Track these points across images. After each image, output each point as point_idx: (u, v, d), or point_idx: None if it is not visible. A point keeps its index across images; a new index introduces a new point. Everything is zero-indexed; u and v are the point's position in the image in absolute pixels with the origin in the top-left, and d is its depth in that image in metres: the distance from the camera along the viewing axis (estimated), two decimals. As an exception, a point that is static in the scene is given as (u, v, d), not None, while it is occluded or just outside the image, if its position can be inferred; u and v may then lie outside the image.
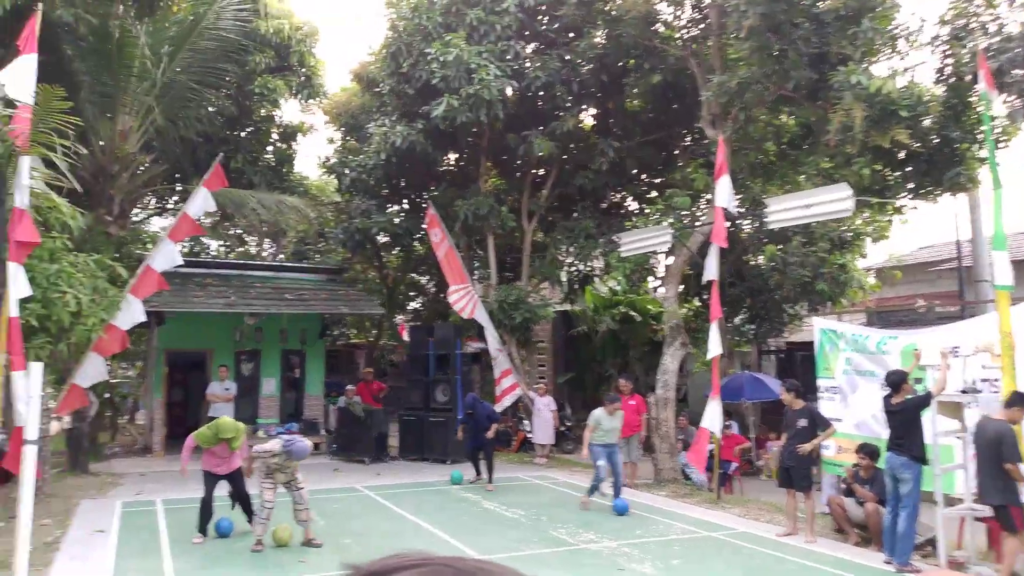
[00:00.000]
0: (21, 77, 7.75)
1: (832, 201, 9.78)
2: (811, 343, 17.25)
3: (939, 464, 7.63)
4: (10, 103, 7.91)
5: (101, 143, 12.95)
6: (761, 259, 15.94)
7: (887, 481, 7.79)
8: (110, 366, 13.64)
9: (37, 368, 5.08)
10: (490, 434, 12.23)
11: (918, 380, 8.60)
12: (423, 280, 23.08)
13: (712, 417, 11.54)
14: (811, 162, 12.57)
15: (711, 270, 11.20)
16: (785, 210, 10.58)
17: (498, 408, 15.77)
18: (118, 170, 13.52)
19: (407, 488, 12.24)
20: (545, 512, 10.29)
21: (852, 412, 10.19)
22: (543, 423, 15.25)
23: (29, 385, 5.04)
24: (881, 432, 10.00)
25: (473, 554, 7.96)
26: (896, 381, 7.81)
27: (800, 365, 17.78)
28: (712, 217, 12.80)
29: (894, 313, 14.71)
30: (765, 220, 11.03)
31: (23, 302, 8.23)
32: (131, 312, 11.75)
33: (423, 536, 8.88)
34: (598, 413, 10.40)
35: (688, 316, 15.30)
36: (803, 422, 8.84)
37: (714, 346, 11.42)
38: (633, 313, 20.02)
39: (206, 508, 8.48)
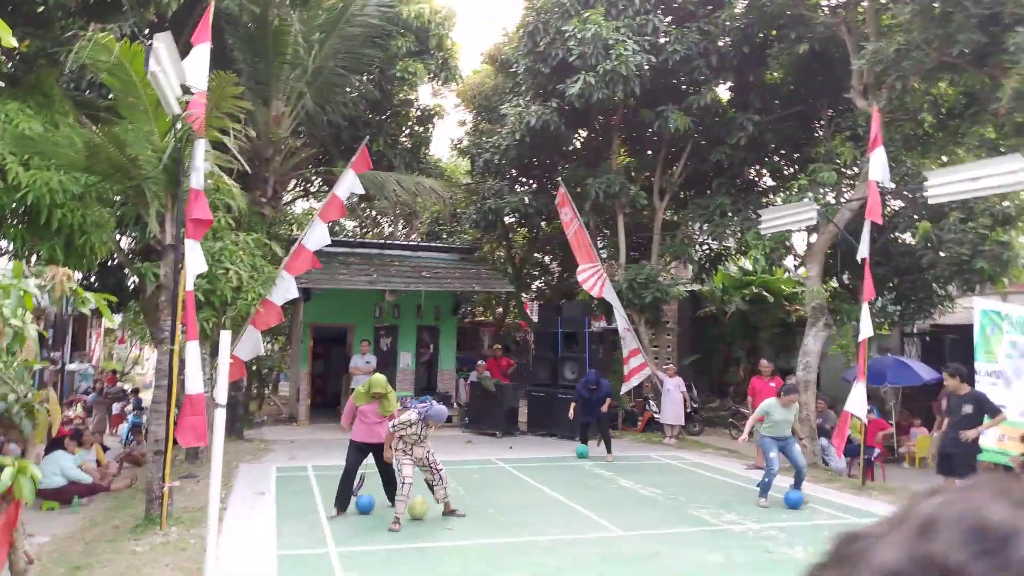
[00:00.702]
0: (196, 65, 8.32)
1: (1003, 174, 9.11)
2: (961, 326, 16.28)
3: None
4: (186, 90, 8.49)
5: (256, 128, 13.72)
6: (908, 236, 15.09)
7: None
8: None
9: (226, 336, 5.50)
10: (604, 408, 12.85)
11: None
12: (546, 260, 23.25)
13: (857, 401, 11.10)
14: (974, 133, 11.73)
15: (863, 248, 10.69)
16: (947, 184, 9.94)
17: (626, 387, 15.84)
18: (272, 153, 14.29)
19: (540, 462, 12.46)
20: (682, 492, 10.23)
21: (1016, 398, 9.58)
22: (672, 404, 15.10)
23: (220, 352, 5.46)
24: (1052, 422, 9.36)
25: (617, 531, 8.06)
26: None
27: (949, 349, 16.76)
28: (861, 192, 12.24)
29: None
30: (924, 195, 10.41)
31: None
32: (285, 288, 12.46)
33: (564, 511, 9.02)
34: (770, 403, 9.57)
35: (826, 297, 14.66)
36: (968, 408, 8.36)
37: (865, 328, 10.92)
38: (766, 294, 19.46)
39: (348, 478, 8.45)
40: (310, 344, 17.08)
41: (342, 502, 8.46)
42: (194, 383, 8.07)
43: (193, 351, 8.14)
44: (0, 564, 4.55)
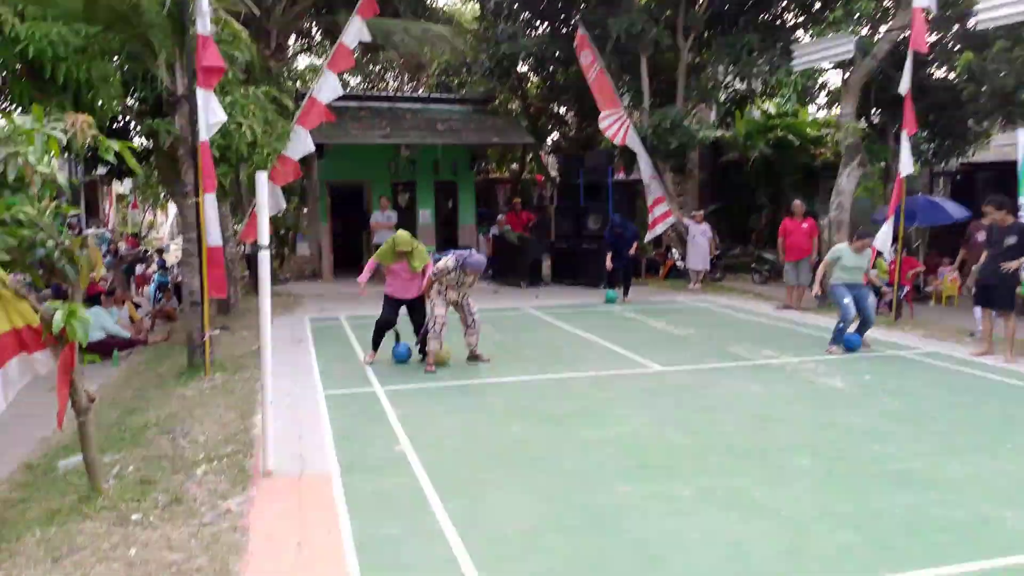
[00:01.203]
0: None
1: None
2: (995, 163, 15.84)
3: None
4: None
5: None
6: (944, 70, 14.39)
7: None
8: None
9: (262, 178, 5.26)
10: (632, 251, 13.13)
11: None
12: (562, 111, 22.52)
13: (884, 238, 10.98)
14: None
15: (905, 81, 10.19)
16: (999, 6, 9.31)
17: (651, 235, 15.73)
18: (272, 2, 13.55)
19: (569, 309, 12.54)
20: (714, 332, 10.30)
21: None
22: (698, 250, 15.01)
23: (258, 195, 5.26)
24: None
25: (656, 367, 8.14)
26: None
27: (982, 188, 16.41)
28: (900, 23, 11.55)
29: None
30: (972, 21, 9.77)
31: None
32: (300, 142, 12.11)
33: (601, 350, 9.11)
34: (841, 248, 9.07)
35: (861, 134, 14.13)
36: (1012, 239, 8.20)
37: (905, 163, 10.61)
38: (791, 137, 18.89)
39: (382, 327, 8.37)
40: (328, 201, 16.88)
41: (375, 344, 8.45)
42: (213, 236, 7.95)
43: (211, 204, 7.97)
44: (63, 402, 4.59)
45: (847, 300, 8.84)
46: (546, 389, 7.26)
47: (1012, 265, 8.16)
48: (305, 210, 19.90)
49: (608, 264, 13.11)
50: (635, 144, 15.05)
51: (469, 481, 4.88)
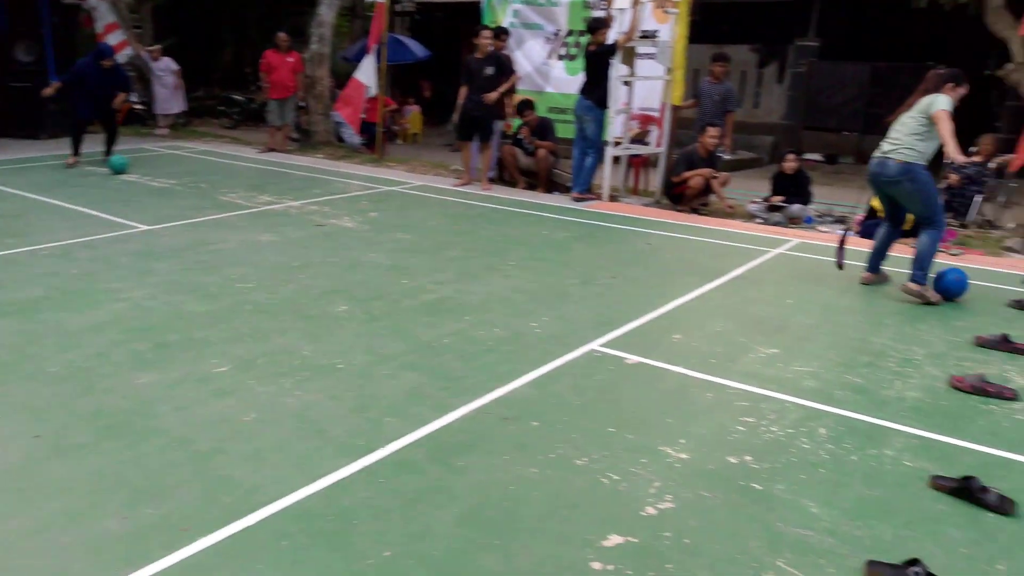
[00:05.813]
0: None
1: None
2: (449, 3, 17.02)
3: (613, 109, 8.23)
4: None
5: None
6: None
7: (575, 123, 8.27)
8: None
9: None
10: (117, 103, 10.17)
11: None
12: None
13: (368, 71, 10.98)
14: None
15: None
16: None
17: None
18: None
19: (3, 166, 9.86)
20: (201, 181, 9.16)
21: (517, 67, 10.28)
22: (167, 89, 13.09)
23: None
24: (544, 86, 10.49)
25: (143, 226, 6.84)
26: (594, 27, 7.99)
27: (441, 28, 17.58)
28: None
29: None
30: None
31: None
32: None
33: (65, 214, 7.30)
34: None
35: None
36: (490, 70, 8.74)
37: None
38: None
39: None
40: None
41: None
42: None
43: None
44: None
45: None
46: (-3, 269, 5.49)
47: (492, 96, 8.72)
48: None
49: (49, 90, 9.95)
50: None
51: (-101, 416, 3.33)
